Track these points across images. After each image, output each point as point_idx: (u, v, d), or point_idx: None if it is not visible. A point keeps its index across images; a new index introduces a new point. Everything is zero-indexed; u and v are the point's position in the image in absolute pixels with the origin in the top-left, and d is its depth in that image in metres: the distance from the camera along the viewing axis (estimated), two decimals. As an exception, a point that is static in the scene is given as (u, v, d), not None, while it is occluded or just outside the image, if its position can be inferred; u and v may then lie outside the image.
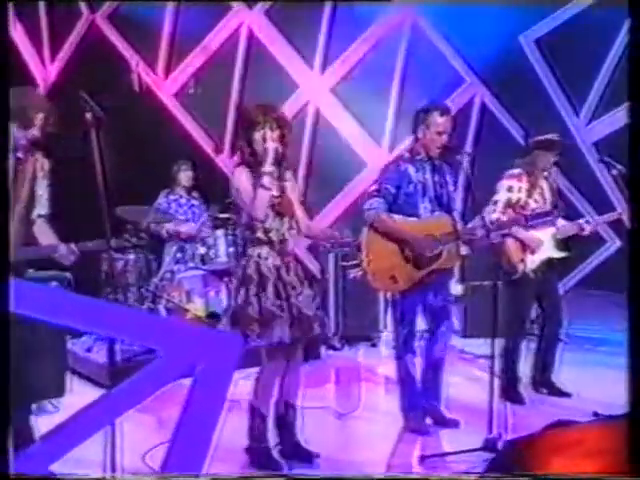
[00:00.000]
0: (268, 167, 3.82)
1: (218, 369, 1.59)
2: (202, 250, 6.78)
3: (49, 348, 4.74)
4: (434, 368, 4.65)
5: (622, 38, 7.76)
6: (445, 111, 4.56)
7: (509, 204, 5.09)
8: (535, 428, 2.17)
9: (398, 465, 4.09)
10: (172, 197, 7.22)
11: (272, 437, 4.09)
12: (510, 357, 5.18)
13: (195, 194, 7.32)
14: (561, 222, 5.28)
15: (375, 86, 9.12)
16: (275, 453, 4.06)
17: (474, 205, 5.24)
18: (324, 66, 9.43)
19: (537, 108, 8.15)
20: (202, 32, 9.56)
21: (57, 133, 3.58)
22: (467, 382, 5.15)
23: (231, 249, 6.68)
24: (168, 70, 9.73)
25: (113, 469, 3.05)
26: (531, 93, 8.30)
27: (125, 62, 9.40)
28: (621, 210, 5.32)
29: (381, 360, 6.13)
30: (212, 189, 7.44)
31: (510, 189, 5.14)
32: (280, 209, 3.93)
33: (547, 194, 5.23)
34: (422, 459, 4.09)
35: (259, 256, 3.90)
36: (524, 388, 5.23)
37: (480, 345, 5.58)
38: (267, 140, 3.84)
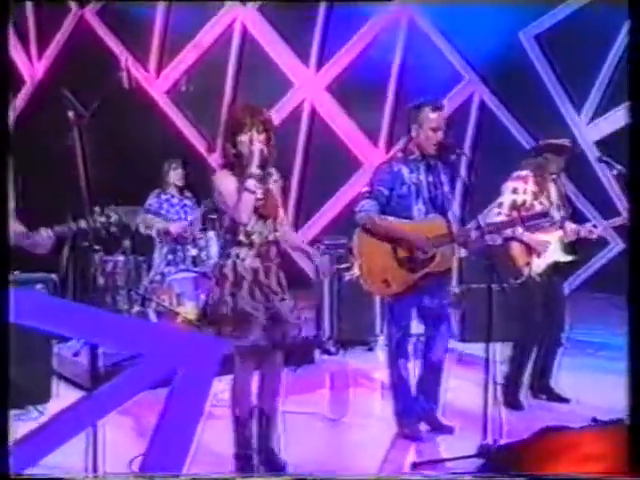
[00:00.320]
0: (254, 169, 3.83)
1: (198, 373, 1.59)
2: (193, 252, 6.75)
3: (35, 353, 4.73)
4: (432, 372, 4.63)
5: (624, 34, 7.76)
6: (437, 106, 4.51)
7: (514, 206, 5.07)
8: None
9: (390, 472, 4.09)
10: (163, 197, 7.19)
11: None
12: (517, 364, 5.16)
13: (187, 193, 7.30)
14: (569, 225, 5.27)
15: (372, 84, 9.13)
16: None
17: (471, 206, 5.22)
18: (320, 64, 9.43)
19: (537, 106, 8.16)
20: (194, 28, 9.56)
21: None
22: (466, 387, 5.13)
23: (223, 251, 6.65)
24: (160, 67, 9.73)
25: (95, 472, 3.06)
26: (531, 91, 8.31)
27: (115, 59, 9.39)
28: (626, 213, 5.30)
29: (377, 365, 6.10)
30: (205, 188, 7.42)
31: (515, 191, 5.12)
32: (263, 211, 3.93)
33: (554, 198, 5.22)
34: (414, 466, 4.08)
35: (237, 256, 3.91)
36: (524, 394, 5.21)
37: (480, 349, 5.55)
38: (254, 142, 3.84)
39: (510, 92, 8.49)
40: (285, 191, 4.11)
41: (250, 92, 9.31)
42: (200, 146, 9.57)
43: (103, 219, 3.92)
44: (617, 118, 7.76)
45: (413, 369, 4.64)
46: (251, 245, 3.91)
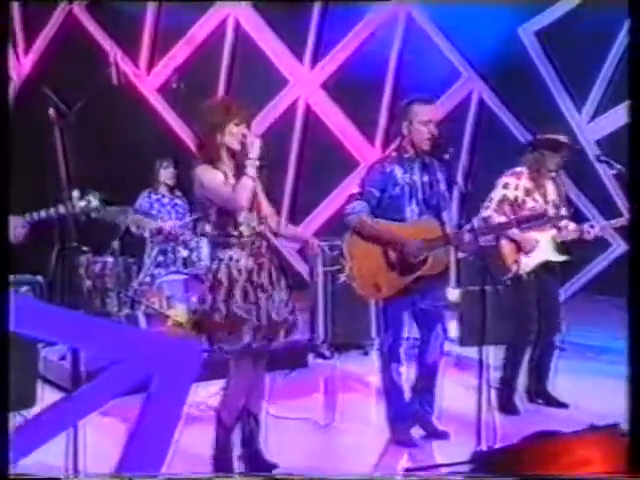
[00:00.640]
0: (253, 158, 3.84)
1: (176, 378, 1.58)
2: (184, 253, 6.73)
3: (20, 357, 4.68)
4: (427, 375, 4.62)
5: (625, 31, 7.74)
6: (426, 100, 4.53)
7: (504, 201, 5.08)
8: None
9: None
10: (154, 197, 7.17)
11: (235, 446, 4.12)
12: (510, 367, 5.14)
13: (178, 193, 7.27)
14: (568, 225, 5.25)
15: (368, 82, 9.11)
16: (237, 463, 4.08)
17: (469, 205, 5.21)
18: (315, 60, 9.41)
19: (537, 104, 8.14)
20: (187, 23, 9.53)
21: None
22: (462, 391, 5.10)
23: (215, 252, 6.63)
24: (151, 64, 9.70)
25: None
26: (531, 88, 8.29)
27: (105, 55, 9.35)
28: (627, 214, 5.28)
29: (373, 369, 6.07)
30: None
31: (506, 186, 5.13)
32: (252, 203, 3.94)
33: (551, 196, 5.20)
34: (406, 472, 4.07)
35: (230, 259, 3.91)
36: (519, 398, 5.20)
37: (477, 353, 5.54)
38: (246, 134, 3.88)
39: (510, 90, 8.47)
40: (267, 186, 4.09)
41: (244, 89, 9.28)
42: (192, 145, 9.53)
43: (83, 203, 3.88)
44: (618, 116, 7.73)
45: (407, 373, 4.63)
46: (241, 242, 3.90)
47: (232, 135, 3.88)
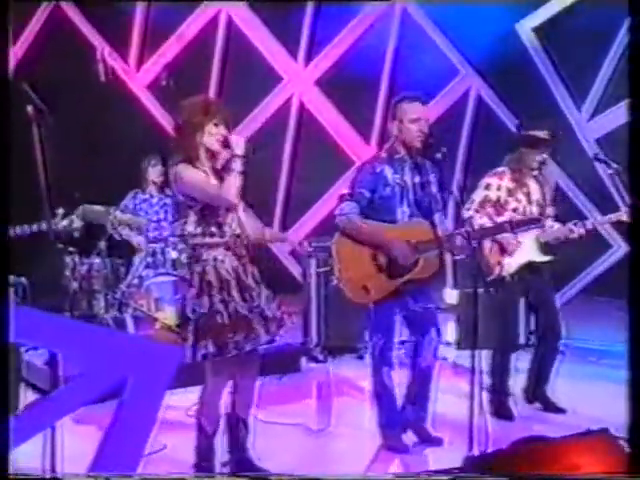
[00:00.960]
0: (240, 155, 3.85)
1: (151, 381, 1.56)
2: (174, 254, 6.68)
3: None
4: (420, 379, 4.59)
5: (625, 30, 7.72)
6: (415, 97, 4.53)
7: (486, 202, 5.06)
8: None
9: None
10: (141, 197, 7.11)
11: (222, 454, 4.10)
12: (499, 371, 5.12)
13: (168, 192, 7.21)
14: (552, 225, 5.22)
15: (364, 79, 9.07)
16: (220, 469, 4.06)
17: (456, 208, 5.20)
18: (309, 57, 9.37)
19: (536, 102, 8.10)
20: (178, 19, 9.48)
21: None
22: (457, 396, 5.07)
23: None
24: (141, 60, 9.64)
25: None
26: (530, 86, 8.25)
27: (93, 50, 9.31)
28: (623, 211, 5.22)
29: (367, 373, 6.02)
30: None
31: (488, 187, 5.13)
32: None
33: (535, 195, 5.17)
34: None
35: (215, 259, 3.90)
36: (515, 402, 5.17)
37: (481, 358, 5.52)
38: (226, 136, 3.90)
39: (508, 87, 8.43)
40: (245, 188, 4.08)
41: (236, 87, 9.26)
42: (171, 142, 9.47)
43: (65, 223, 3.85)
44: (619, 115, 7.70)
45: (398, 378, 4.61)
46: (223, 236, 3.90)
47: (211, 135, 3.90)
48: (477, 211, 5.05)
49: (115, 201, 6.76)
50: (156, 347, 1.62)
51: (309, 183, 9.30)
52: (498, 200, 5.08)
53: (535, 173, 5.19)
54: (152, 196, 7.12)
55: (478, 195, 5.11)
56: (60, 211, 3.97)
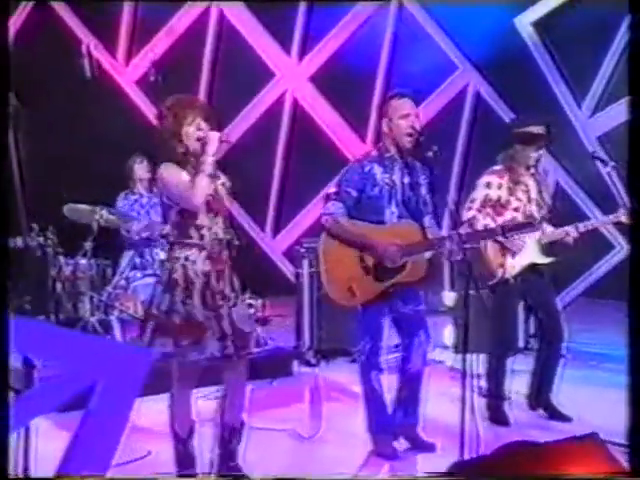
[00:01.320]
0: (211, 155, 3.83)
1: (121, 384, 1.53)
2: (162, 255, 6.60)
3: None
4: (410, 384, 4.54)
5: (626, 26, 7.69)
6: (404, 93, 4.49)
7: (487, 201, 5.00)
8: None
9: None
10: (132, 197, 7.04)
11: (211, 461, 4.08)
12: (494, 376, 5.07)
13: (156, 189, 7.14)
14: (548, 227, 5.17)
15: (359, 75, 9.05)
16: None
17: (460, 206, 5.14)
18: (302, 52, 9.33)
19: (536, 98, 8.06)
20: (167, 12, 9.43)
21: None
22: (453, 401, 5.02)
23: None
24: (129, 55, 9.59)
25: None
26: (529, 81, 8.22)
27: (79, 45, 9.25)
28: (621, 211, 5.16)
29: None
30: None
31: (488, 185, 5.07)
32: (213, 205, 3.92)
33: (533, 193, 5.12)
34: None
35: (186, 259, 3.87)
36: (512, 408, 5.13)
37: (473, 361, 5.47)
38: (204, 130, 3.87)
39: (507, 83, 8.40)
40: (233, 195, 4.08)
41: (228, 83, 9.22)
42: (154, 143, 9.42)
43: (40, 239, 3.81)
44: (622, 110, 7.66)
45: (389, 382, 4.55)
46: (201, 240, 3.87)
47: (191, 136, 3.88)
48: (479, 211, 4.98)
49: (102, 199, 6.70)
50: (126, 349, 1.60)
51: (303, 181, 9.26)
52: (499, 199, 5.03)
53: (532, 171, 5.14)
54: (142, 195, 7.05)
55: (479, 194, 5.05)
56: (35, 226, 3.94)
